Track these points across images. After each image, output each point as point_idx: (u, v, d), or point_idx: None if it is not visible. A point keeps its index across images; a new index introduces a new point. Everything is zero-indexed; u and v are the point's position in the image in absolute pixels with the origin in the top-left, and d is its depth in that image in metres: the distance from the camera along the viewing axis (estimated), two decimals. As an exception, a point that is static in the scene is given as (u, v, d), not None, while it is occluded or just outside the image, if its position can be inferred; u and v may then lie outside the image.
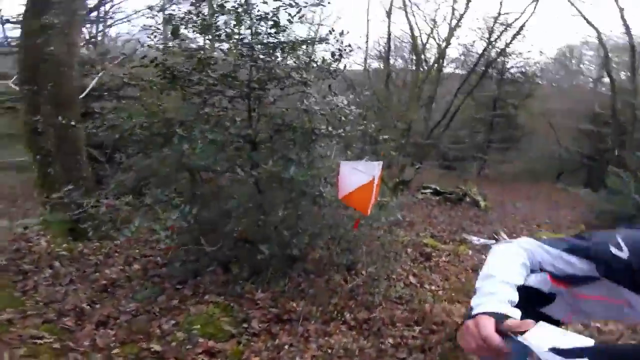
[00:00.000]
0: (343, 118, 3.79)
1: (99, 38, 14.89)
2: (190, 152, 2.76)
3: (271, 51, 3.25)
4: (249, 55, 3.17)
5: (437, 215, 9.26)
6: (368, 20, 19.93)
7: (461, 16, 15.43)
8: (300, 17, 3.16)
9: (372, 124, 3.70)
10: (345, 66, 3.89)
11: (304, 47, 3.39)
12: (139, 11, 13.15)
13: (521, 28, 15.48)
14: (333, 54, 3.73)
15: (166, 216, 2.61)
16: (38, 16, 4.55)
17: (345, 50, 3.59)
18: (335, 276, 3.17)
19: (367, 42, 19.38)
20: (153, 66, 3.22)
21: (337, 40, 3.70)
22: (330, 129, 3.36)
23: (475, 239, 7.46)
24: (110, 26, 14.76)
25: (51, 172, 4.63)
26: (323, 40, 3.50)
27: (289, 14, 3.10)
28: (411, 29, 15.07)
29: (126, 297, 3.08)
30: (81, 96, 6.11)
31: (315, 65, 3.48)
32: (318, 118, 3.42)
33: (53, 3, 4.54)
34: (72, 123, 4.59)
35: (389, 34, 16.14)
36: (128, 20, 14.35)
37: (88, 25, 14.11)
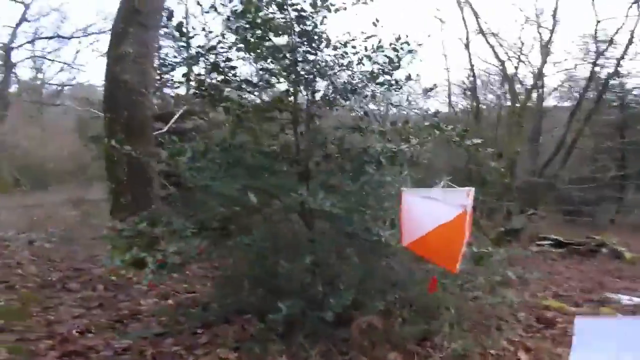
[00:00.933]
0: (411, 137, 2.92)
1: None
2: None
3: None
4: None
5: (563, 272, 7.57)
6: (445, 55, 17.81)
7: (551, 32, 13.71)
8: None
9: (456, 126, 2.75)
10: (409, 76, 3.07)
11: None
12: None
13: (632, 36, 12.68)
14: (391, 60, 2.98)
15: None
16: (118, 46, 4.84)
17: (401, 51, 2.80)
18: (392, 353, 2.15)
19: (448, 78, 17.65)
20: (185, 81, 2.89)
21: (395, 48, 2.96)
22: (389, 146, 2.51)
23: (625, 298, 5.66)
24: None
25: (123, 202, 4.64)
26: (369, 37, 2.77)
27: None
28: (495, 54, 13.92)
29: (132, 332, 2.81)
30: (162, 131, 6.17)
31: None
32: (373, 135, 2.65)
33: (129, 33, 4.77)
34: (137, 153, 4.58)
35: (472, 65, 14.95)
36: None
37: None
